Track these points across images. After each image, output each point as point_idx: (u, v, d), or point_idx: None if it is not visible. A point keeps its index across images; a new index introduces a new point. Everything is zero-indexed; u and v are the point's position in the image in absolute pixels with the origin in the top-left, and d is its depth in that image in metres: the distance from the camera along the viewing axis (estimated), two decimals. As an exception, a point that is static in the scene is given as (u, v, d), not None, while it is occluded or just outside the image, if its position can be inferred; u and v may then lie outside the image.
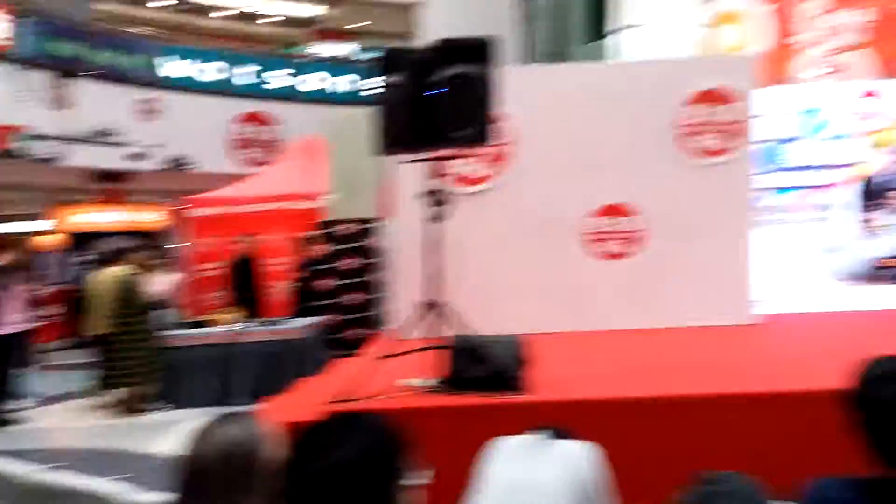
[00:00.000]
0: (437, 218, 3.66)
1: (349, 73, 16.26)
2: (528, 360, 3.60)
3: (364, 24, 24.84)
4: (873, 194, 7.10)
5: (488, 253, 5.57)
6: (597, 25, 10.18)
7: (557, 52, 10.79)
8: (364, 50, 20.52)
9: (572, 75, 6.33)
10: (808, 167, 7.16)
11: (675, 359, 4.69)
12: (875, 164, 7.10)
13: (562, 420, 2.24)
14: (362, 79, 15.42)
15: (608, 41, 9.38)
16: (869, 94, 7.15)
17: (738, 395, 3.61)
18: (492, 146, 4.08)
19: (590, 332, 5.45)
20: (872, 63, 8.24)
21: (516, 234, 5.75)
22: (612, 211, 6.10)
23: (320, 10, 25.90)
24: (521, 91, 5.03)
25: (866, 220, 7.08)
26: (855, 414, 1.56)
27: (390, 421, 1.37)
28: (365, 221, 7.51)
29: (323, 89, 15.95)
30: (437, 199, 3.66)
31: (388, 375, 3.62)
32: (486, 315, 3.97)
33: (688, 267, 6.27)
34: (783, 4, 8.30)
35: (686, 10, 8.63)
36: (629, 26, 8.75)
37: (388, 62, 3.74)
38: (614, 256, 6.28)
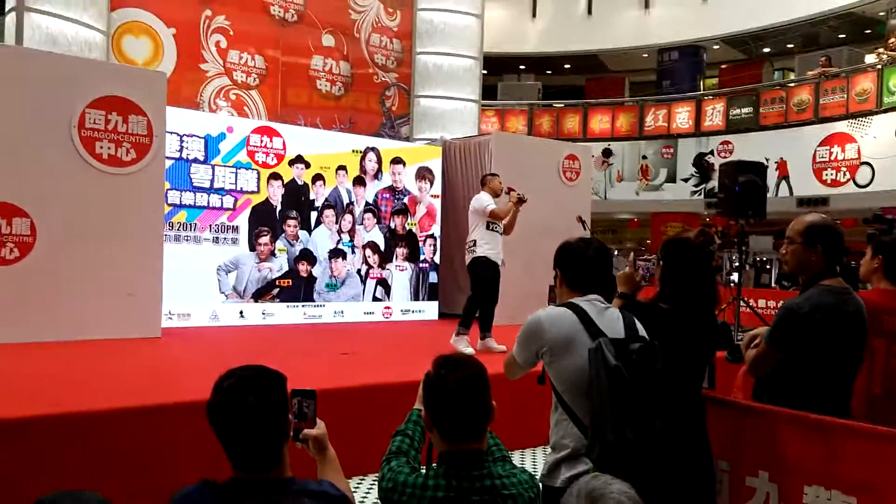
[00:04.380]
0: None
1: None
2: None
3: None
4: (270, 220, 7.86)
5: None
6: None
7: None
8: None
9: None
10: (211, 189, 7.51)
11: (73, 374, 4.46)
12: (272, 194, 7.88)
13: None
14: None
15: (7, 19, 8.24)
16: (265, 132, 7.91)
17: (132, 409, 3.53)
18: None
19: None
20: (264, 104, 9.25)
21: None
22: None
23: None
24: None
25: (262, 244, 7.78)
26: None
27: None
28: None
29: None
30: None
31: None
32: None
33: (91, 278, 5.92)
34: (182, 30, 8.62)
35: (92, 13, 8.15)
36: (29, 8, 7.82)
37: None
38: (2, 262, 5.59)
